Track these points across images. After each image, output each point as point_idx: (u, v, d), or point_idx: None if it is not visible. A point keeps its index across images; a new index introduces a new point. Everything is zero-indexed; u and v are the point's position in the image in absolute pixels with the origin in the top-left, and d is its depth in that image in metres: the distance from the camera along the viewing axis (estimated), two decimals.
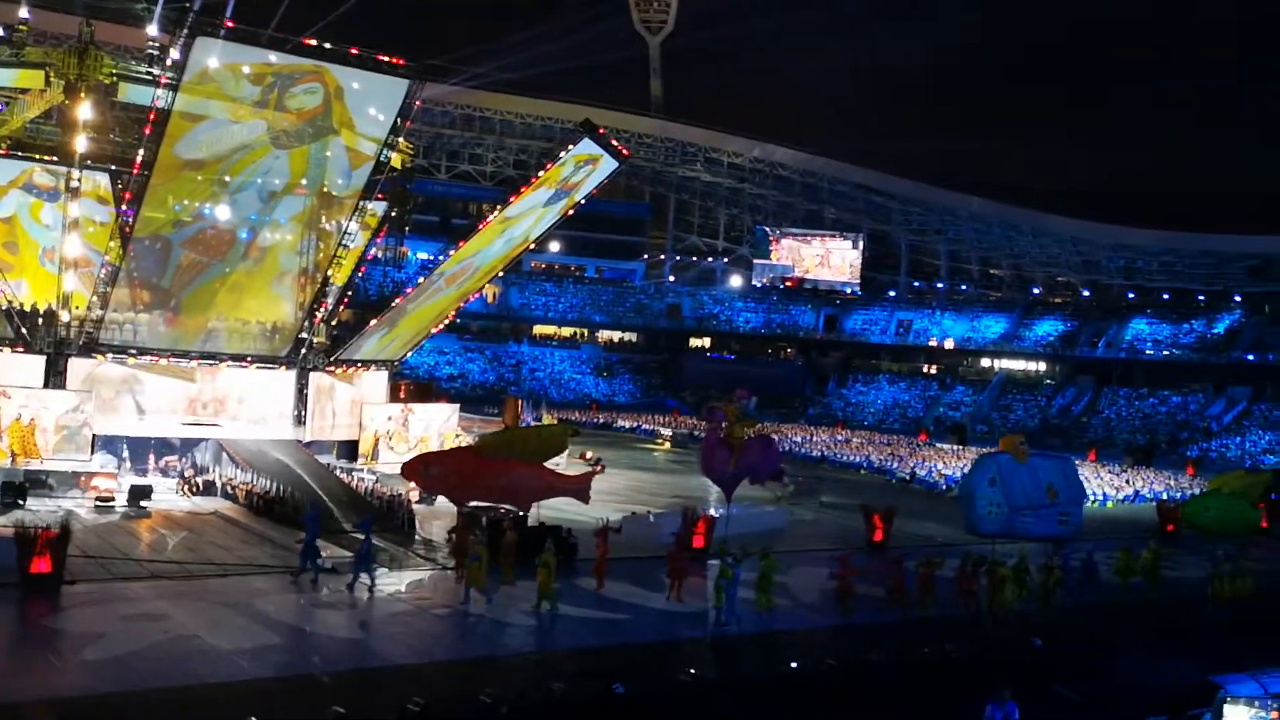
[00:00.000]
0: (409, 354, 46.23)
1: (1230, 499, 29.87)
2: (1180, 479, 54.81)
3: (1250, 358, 78.53)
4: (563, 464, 45.07)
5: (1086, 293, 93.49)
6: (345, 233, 35.71)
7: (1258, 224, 78.06)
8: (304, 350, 37.29)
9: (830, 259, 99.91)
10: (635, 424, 70.63)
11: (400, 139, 35.97)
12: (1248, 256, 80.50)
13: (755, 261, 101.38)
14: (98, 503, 29.63)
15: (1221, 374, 79.34)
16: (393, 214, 40.97)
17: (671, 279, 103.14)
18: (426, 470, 25.23)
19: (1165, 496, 45.60)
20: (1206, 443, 72.09)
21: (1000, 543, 28.41)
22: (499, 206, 39.11)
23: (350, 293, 41.83)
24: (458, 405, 44.78)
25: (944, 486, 46.37)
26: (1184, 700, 14.02)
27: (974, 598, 23.51)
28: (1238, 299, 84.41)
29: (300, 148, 33.07)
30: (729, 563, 21.79)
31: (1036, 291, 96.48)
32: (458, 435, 40.35)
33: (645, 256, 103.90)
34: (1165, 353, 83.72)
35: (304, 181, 34.60)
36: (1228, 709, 11.41)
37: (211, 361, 36.28)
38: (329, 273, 36.32)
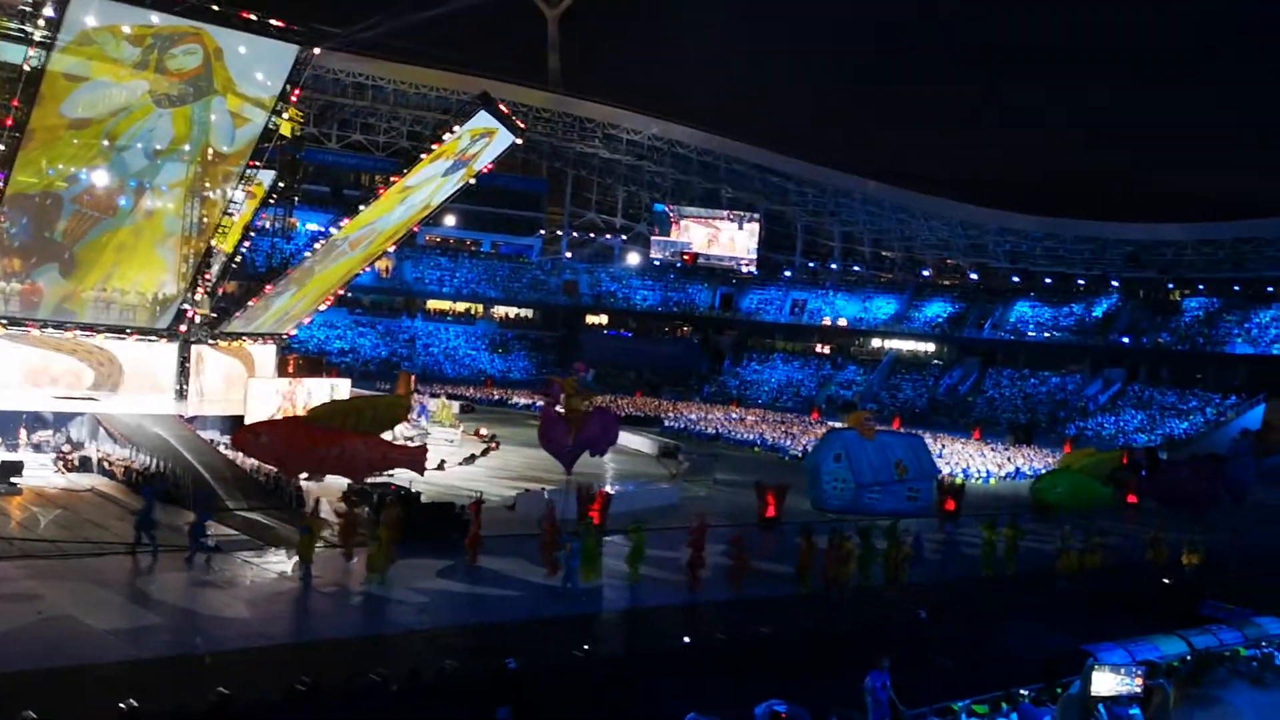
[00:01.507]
0: (298, 327, 45.22)
1: (1079, 476, 30.51)
2: (1059, 456, 56.75)
3: (1125, 341, 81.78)
4: (457, 440, 44.81)
5: (974, 276, 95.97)
6: (230, 201, 34.67)
7: (1135, 213, 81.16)
8: (186, 322, 36.15)
9: (719, 238, 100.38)
10: (531, 401, 70.32)
11: (290, 106, 34.99)
12: (1124, 244, 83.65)
13: (653, 239, 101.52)
14: None
15: (1098, 356, 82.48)
16: (281, 183, 39.93)
17: (569, 255, 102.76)
18: (257, 439, 24.51)
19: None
20: (1083, 422, 74.83)
21: (883, 520, 28.79)
22: (393, 178, 38.43)
23: (236, 264, 40.70)
24: (349, 380, 43.98)
25: None
26: (1056, 668, 14.51)
27: (866, 569, 23.97)
28: (1115, 284, 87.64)
29: (182, 108, 32.11)
30: (568, 537, 22.29)
31: (926, 274, 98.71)
32: None
33: (542, 232, 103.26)
34: (1046, 335, 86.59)
35: (187, 146, 33.53)
36: (1096, 675, 11.82)
37: (89, 333, 34.94)
38: (213, 241, 35.24)
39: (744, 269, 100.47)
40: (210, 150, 34.24)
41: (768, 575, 24.04)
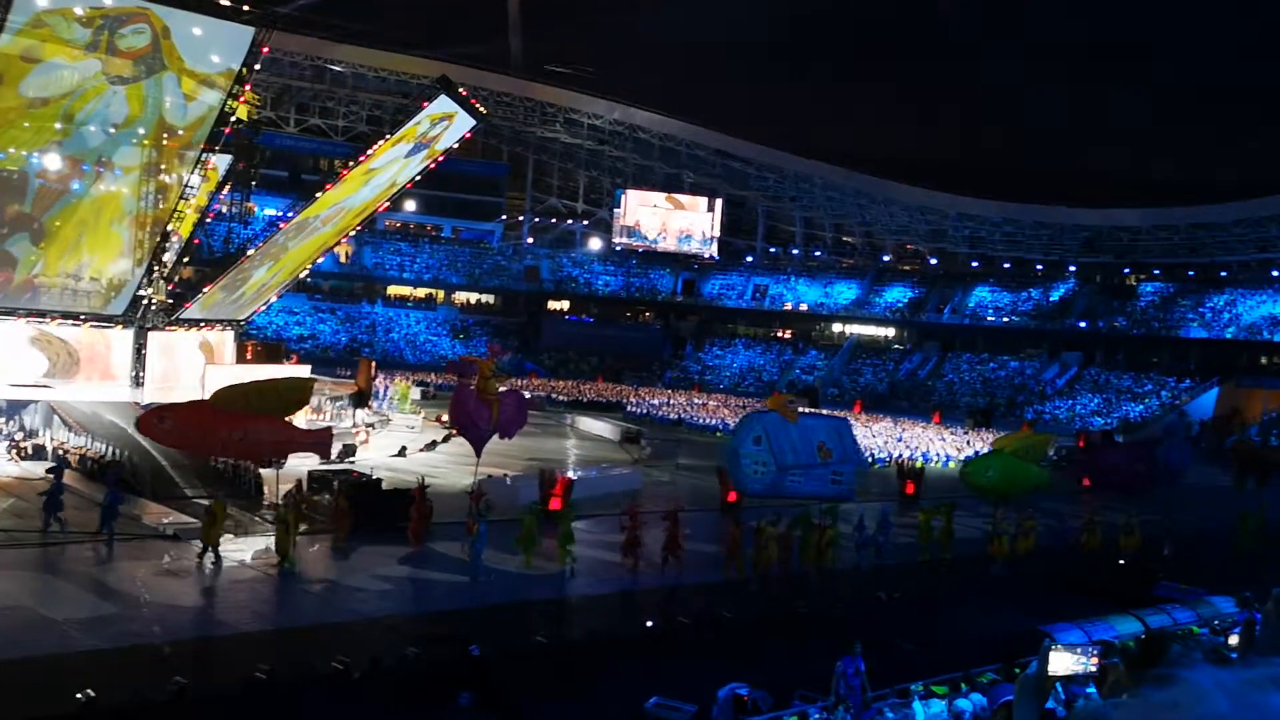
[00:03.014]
0: (255, 313, 44.76)
1: (1010, 459, 29.96)
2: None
3: (1082, 325, 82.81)
4: (418, 426, 44.59)
5: (934, 261, 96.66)
6: (186, 185, 34.23)
7: (1091, 199, 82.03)
8: (141, 308, 35.67)
9: (673, 221, 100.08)
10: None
11: (245, 88, 34.58)
12: (1081, 229, 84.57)
13: (614, 225, 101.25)
14: None
15: (1055, 340, 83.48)
16: (238, 167, 39.45)
17: (530, 241, 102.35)
18: (161, 423, 24.23)
19: None
20: (1041, 405, 75.75)
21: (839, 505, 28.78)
22: (352, 163, 38.10)
23: (192, 250, 40.18)
24: (309, 366, 43.61)
25: None
26: (1013, 649, 14.71)
27: (789, 554, 24.11)
28: (1072, 269, 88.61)
29: (135, 85, 32.26)
30: (475, 518, 22.35)
31: (887, 259, 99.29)
32: None
33: (503, 217, 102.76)
34: (1005, 319, 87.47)
35: (140, 124, 33.35)
36: (1053, 655, 12.00)
37: (41, 320, 34.39)
38: (169, 226, 34.79)
39: (705, 254, 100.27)
40: (164, 128, 33.96)
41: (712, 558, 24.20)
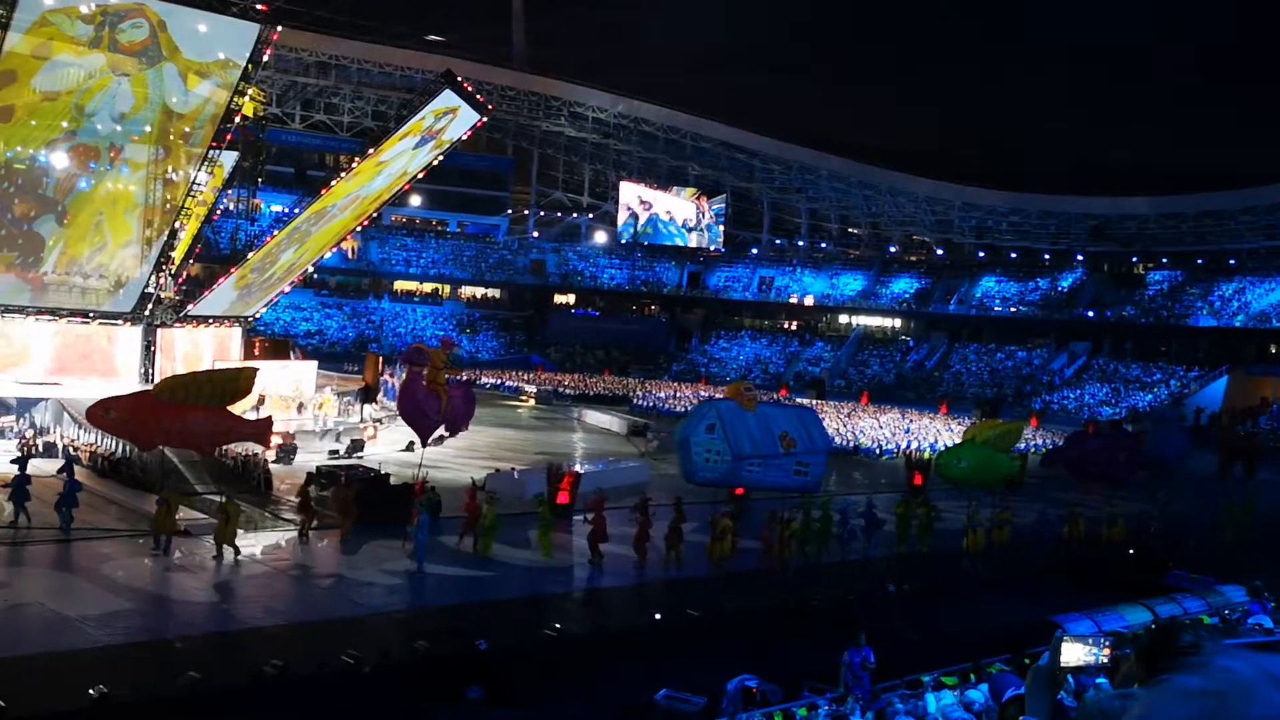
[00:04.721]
0: (263, 309, 44.86)
1: (983, 449, 29.17)
2: (1025, 431, 57.28)
3: (1090, 314, 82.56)
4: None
5: (940, 251, 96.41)
6: (194, 182, 34.35)
7: (1098, 187, 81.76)
8: (150, 305, 35.79)
9: (680, 210, 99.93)
10: (499, 381, 70.17)
11: (249, 84, 34.72)
12: (1088, 218, 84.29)
13: (619, 216, 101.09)
14: None
15: (1063, 330, 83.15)
16: (245, 164, 39.53)
17: (535, 235, 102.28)
18: (106, 414, 24.50)
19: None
20: (1049, 395, 75.60)
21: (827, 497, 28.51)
22: (358, 159, 38.18)
23: (199, 247, 40.33)
24: (315, 362, 43.72)
25: None
26: (1022, 639, 14.70)
27: (772, 549, 24.26)
28: (1080, 258, 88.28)
29: (138, 75, 32.95)
30: (417, 508, 22.54)
31: (893, 250, 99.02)
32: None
33: (509, 212, 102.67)
34: (1012, 309, 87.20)
35: (146, 112, 33.94)
36: (1065, 646, 11.95)
37: (50, 318, 34.52)
38: (177, 223, 34.93)
39: (711, 247, 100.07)
40: (168, 116, 34.49)
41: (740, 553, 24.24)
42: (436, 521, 23.38)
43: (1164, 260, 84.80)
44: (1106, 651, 12.70)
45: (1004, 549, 27.13)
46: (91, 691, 13.00)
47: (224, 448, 30.92)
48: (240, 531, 22.86)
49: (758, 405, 28.13)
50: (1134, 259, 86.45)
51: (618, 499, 26.39)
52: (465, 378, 32.84)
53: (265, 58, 33.86)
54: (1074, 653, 12.55)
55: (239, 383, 25.97)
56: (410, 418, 27.74)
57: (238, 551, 21.42)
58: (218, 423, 24.57)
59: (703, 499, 25.77)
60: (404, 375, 27.71)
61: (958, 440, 50.38)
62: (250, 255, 37.84)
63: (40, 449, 31.49)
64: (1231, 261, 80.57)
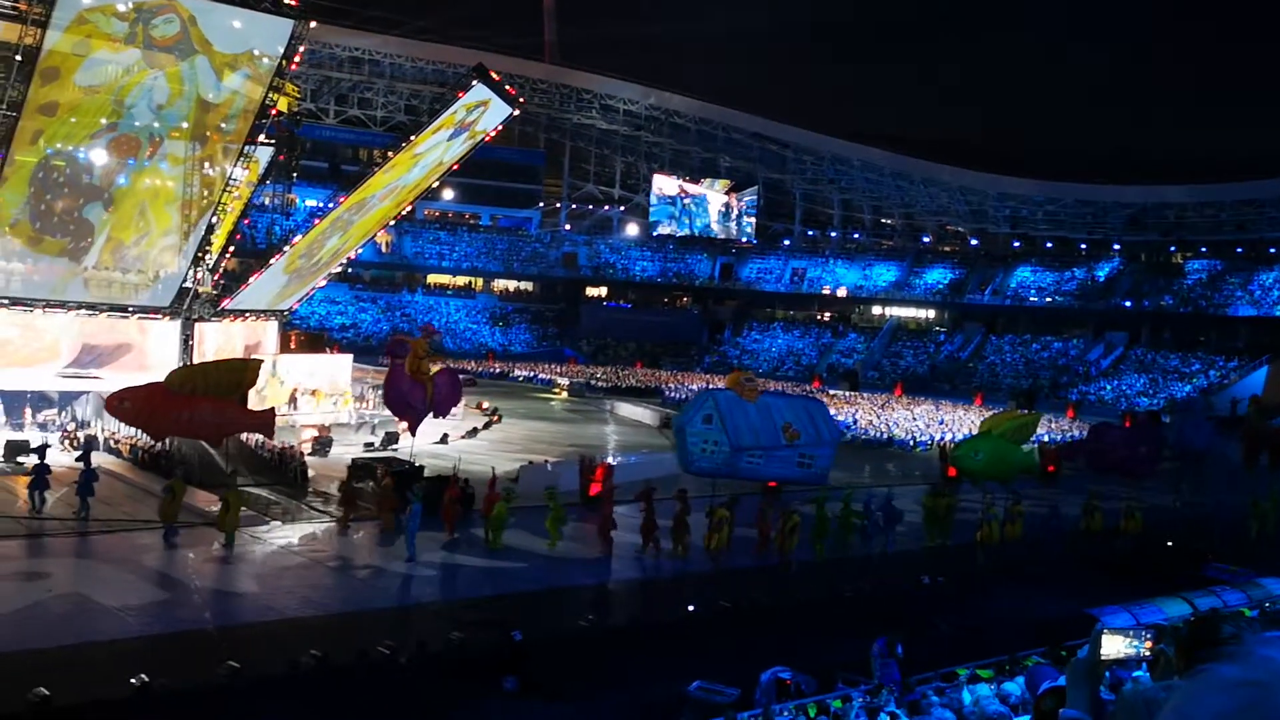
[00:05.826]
0: (298, 304, 45.23)
1: (1000, 441, 28.81)
2: (1061, 421, 56.86)
3: (1127, 304, 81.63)
4: (459, 414, 44.85)
5: (974, 241, 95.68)
6: (230, 178, 34.69)
7: (1136, 176, 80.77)
8: (189, 299, 36.17)
9: (712, 202, 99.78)
10: (532, 373, 70.45)
11: (284, 79, 35.02)
12: (1125, 206, 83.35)
13: (652, 208, 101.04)
14: None
15: (1100, 320, 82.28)
16: (280, 159, 39.85)
17: (567, 227, 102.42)
18: (121, 404, 25.04)
19: (1046, 439, 47.31)
20: (1086, 386, 74.87)
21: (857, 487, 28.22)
22: (392, 153, 38.38)
23: (236, 241, 40.71)
24: (350, 355, 44.04)
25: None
26: (1061, 633, 14.58)
27: (767, 541, 24.33)
28: (1116, 248, 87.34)
29: (173, 69, 33.41)
30: (411, 496, 22.65)
31: (926, 240, 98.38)
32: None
33: (541, 205, 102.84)
34: (1048, 299, 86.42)
35: (181, 104, 34.30)
36: (1105, 640, 11.87)
37: (90, 312, 34.95)
38: (213, 218, 35.30)
39: (743, 238, 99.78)
40: (203, 108, 34.93)
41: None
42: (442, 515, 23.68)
43: (1203, 249, 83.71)
44: (1148, 645, 12.54)
45: (1016, 543, 26.88)
46: (133, 681, 13.18)
47: (263, 441, 31.41)
48: (276, 522, 23.14)
49: (761, 396, 27.99)
50: (1172, 248, 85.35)
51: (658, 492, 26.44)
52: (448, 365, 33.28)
53: (299, 54, 34.15)
54: (1114, 645, 12.41)
55: (242, 374, 26.36)
56: (396, 408, 27.98)
57: (232, 542, 21.84)
58: (222, 413, 25.08)
59: (722, 489, 25.75)
60: (388, 368, 27.80)
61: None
62: (297, 240, 38.28)
63: (82, 441, 31.96)
64: (1272, 250, 79.35)
